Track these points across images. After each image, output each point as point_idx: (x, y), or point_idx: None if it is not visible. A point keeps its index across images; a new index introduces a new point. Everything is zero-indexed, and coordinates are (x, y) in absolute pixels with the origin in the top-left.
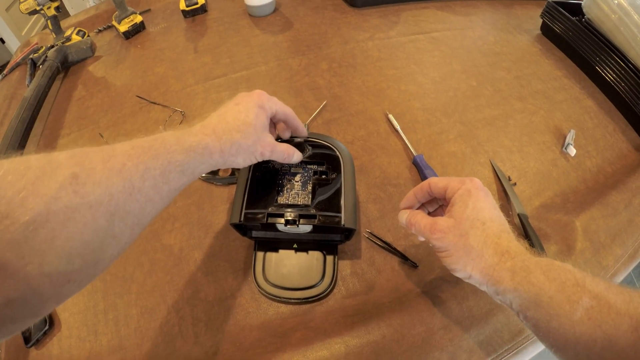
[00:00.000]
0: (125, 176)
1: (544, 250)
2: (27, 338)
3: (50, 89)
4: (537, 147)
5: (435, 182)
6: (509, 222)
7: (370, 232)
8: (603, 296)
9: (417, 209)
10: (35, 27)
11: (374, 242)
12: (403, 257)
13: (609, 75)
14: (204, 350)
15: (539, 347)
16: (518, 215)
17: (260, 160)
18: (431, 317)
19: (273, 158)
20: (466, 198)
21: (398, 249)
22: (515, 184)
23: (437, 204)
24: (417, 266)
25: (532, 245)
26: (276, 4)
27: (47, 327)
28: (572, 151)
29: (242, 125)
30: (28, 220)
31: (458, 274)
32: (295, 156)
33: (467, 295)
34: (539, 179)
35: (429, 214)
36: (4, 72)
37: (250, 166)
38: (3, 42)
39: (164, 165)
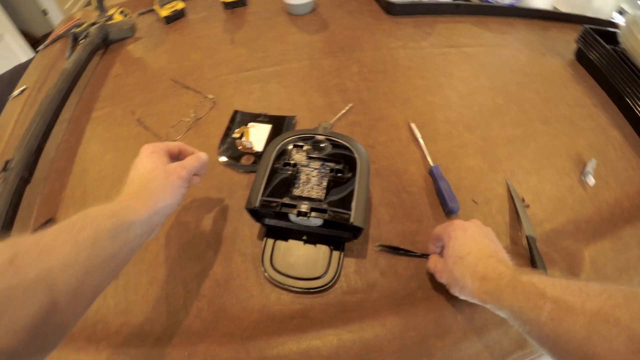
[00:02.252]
0: (58, 254)
1: (547, 272)
2: None
3: (89, 64)
4: (556, 171)
5: (434, 232)
6: (507, 249)
7: (380, 244)
8: (561, 299)
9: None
10: (78, 3)
11: (384, 251)
12: (417, 255)
13: (639, 108)
14: (204, 324)
15: None
16: (527, 237)
17: (185, 184)
18: (425, 324)
19: (193, 171)
20: (447, 240)
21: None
22: (528, 206)
23: None
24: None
25: (534, 267)
26: (314, 4)
27: None
28: (590, 180)
29: (148, 174)
30: None
31: (462, 298)
32: (203, 155)
33: (463, 308)
34: (553, 203)
35: None
36: (46, 42)
37: (272, 156)
38: (45, 14)
39: (92, 237)
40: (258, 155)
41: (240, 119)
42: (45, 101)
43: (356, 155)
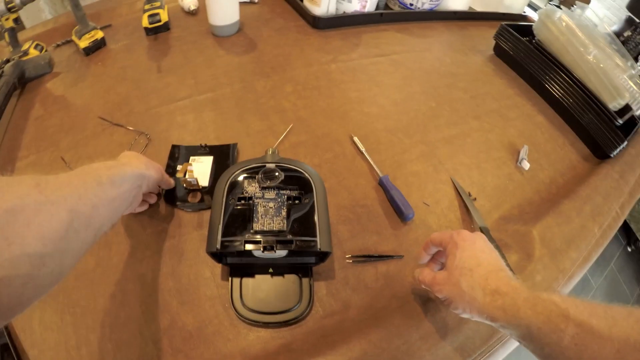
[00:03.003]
0: (73, 187)
1: (506, 259)
2: None
3: (6, 108)
4: (494, 163)
5: (433, 238)
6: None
7: (352, 256)
8: (586, 323)
9: (430, 260)
10: None
11: (358, 261)
12: (388, 257)
13: (558, 92)
14: None
15: (509, 349)
16: (480, 228)
17: (160, 176)
18: (408, 330)
19: (163, 175)
20: (454, 250)
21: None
22: (475, 199)
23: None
24: (403, 256)
25: None
26: (240, 24)
27: None
28: (526, 165)
29: (133, 154)
30: (8, 207)
31: (463, 316)
32: (171, 181)
33: (439, 307)
34: (496, 193)
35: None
36: None
37: (223, 191)
38: None
39: (96, 180)
40: (205, 191)
41: (180, 154)
42: None
43: (310, 179)
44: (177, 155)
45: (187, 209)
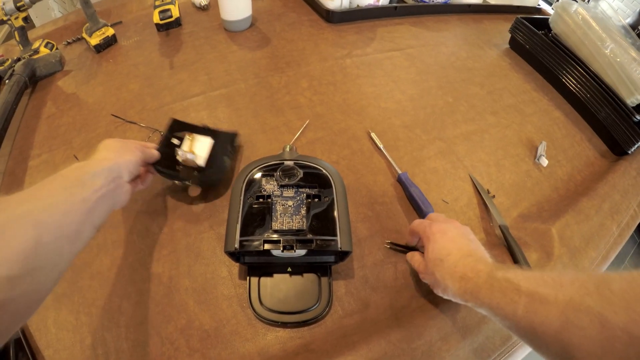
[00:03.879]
0: (37, 199)
1: (525, 258)
2: None
3: (18, 106)
4: (512, 159)
5: (411, 229)
6: (483, 242)
7: (390, 242)
8: (536, 292)
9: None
10: None
11: (396, 250)
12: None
13: (574, 87)
14: None
15: (528, 349)
16: (499, 226)
17: (140, 156)
18: (428, 331)
19: (146, 152)
20: (427, 243)
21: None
22: (494, 196)
23: None
24: None
25: (513, 254)
26: (253, 19)
27: None
28: (544, 162)
29: (104, 143)
30: None
31: (446, 298)
32: (154, 152)
33: (459, 307)
34: (515, 190)
35: None
36: None
37: (241, 192)
38: None
39: (62, 185)
40: (198, 171)
41: (179, 128)
42: None
43: (329, 177)
44: (176, 129)
45: (170, 178)
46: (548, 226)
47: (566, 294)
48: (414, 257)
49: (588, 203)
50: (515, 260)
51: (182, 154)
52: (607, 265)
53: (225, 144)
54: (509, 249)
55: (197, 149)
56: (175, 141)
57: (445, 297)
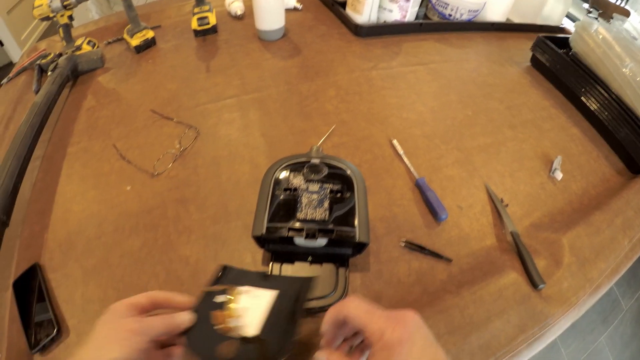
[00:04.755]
0: None
1: (535, 264)
2: (33, 343)
3: (59, 97)
4: (527, 172)
5: (353, 317)
6: (494, 248)
7: (405, 241)
8: None
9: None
10: (34, 33)
11: (410, 248)
12: (438, 255)
13: (593, 105)
14: None
15: (534, 350)
16: (511, 233)
17: (139, 340)
18: (436, 324)
19: (152, 330)
20: (388, 355)
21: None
22: (507, 205)
23: (361, 337)
24: (452, 260)
25: (522, 260)
26: (285, 30)
27: (54, 334)
28: (558, 175)
29: (92, 331)
30: None
31: None
32: (179, 319)
33: (468, 304)
34: (528, 200)
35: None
36: (10, 75)
37: (270, 184)
38: (1, 44)
39: None
40: (248, 342)
41: (228, 278)
42: (18, 138)
43: (352, 176)
44: (229, 279)
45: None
46: (559, 236)
47: None
48: (331, 356)
49: (600, 216)
50: (525, 266)
51: (223, 318)
52: (617, 278)
53: (293, 297)
54: (519, 255)
55: (247, 310)
56: (221, 298)
57: None
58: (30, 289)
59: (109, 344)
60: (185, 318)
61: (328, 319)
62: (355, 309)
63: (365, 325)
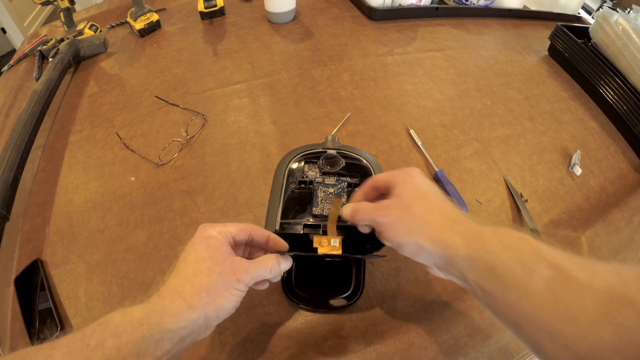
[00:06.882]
0: None
1: None
2: (36, 342)
3: (61, 84)
4: (546, 165)
5: (378, 177)
6: None
7: None
8: (563, 266)
9: None
10: (37, 19)
11: None
12: None
13: (612, 98)
14: (231, 358)
15: None
16: (530, 231)
17: (245, 289)
18: (456, 325)
19: (257, 278)
20: (406, 178)
21: None
22: (527, 200)
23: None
24: None
25: None
26: (296, 12)
27: (58, 332)
28: (577, 171)
29: (200, 266)
30: None
31: (406, 249)
32: (284, 264)
33: None
34: (548, 196)
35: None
36: (11, 62)
37: (283, 177)
38: (4, 32)
39: (113, 352)
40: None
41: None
42: (18, 127)
43: (370, 167)
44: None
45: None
46: (578, 234)
47: (603, 280)
48: (361, 203)
49: (619, 215)
50: None
51: (322, 240)
52: None
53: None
54: None
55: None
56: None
57: (409, 245)
58: (33, 285)
59: (217, 295)
60: (288, 265)
61: (362, 189)
62: (379, 174)
63: (389, 176)
